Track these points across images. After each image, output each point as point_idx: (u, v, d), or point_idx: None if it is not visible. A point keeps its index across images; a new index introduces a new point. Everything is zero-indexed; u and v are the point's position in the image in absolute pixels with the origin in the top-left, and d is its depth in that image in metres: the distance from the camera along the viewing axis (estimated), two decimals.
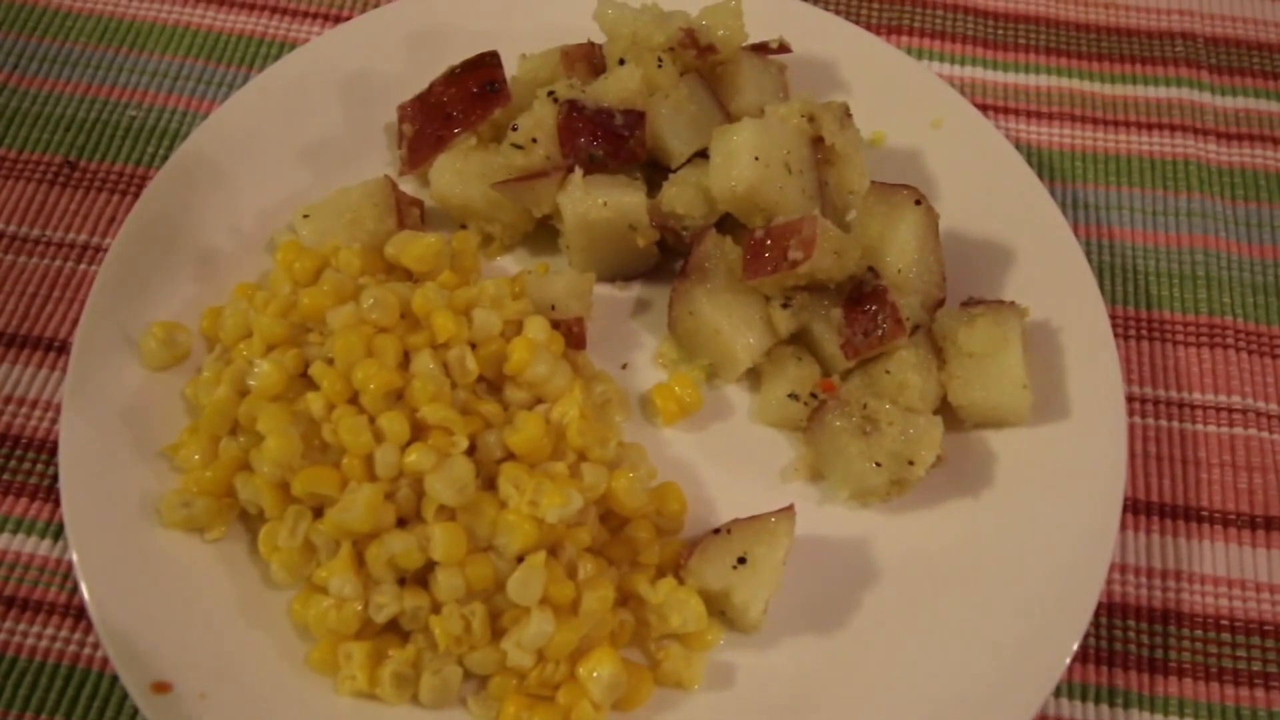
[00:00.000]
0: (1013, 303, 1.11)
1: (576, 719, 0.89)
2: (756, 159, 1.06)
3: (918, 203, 1.12)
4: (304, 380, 0.99)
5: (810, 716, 0.94)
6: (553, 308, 1.09)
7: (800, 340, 1.12)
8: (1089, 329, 1.13)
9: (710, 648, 0.97)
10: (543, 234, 1.20)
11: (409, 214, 1.17)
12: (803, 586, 1.00)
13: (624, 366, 1.14)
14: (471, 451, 0.96)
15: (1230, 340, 1.23)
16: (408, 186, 1.21)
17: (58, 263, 1.20)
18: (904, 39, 1.46)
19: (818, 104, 1.17)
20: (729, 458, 1.08)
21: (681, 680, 0.94)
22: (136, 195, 1.24)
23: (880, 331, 1.05)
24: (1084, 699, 1.00)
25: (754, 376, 1.13)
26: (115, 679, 0.95)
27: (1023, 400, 1.05)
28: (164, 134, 1.30)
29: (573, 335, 1.09)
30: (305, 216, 1.13)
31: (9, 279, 1.18)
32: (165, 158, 1.27)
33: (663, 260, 1.19)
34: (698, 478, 1.07)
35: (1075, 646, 0.94)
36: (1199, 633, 1.04)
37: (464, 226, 1.19)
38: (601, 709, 0.90)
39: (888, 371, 1.07)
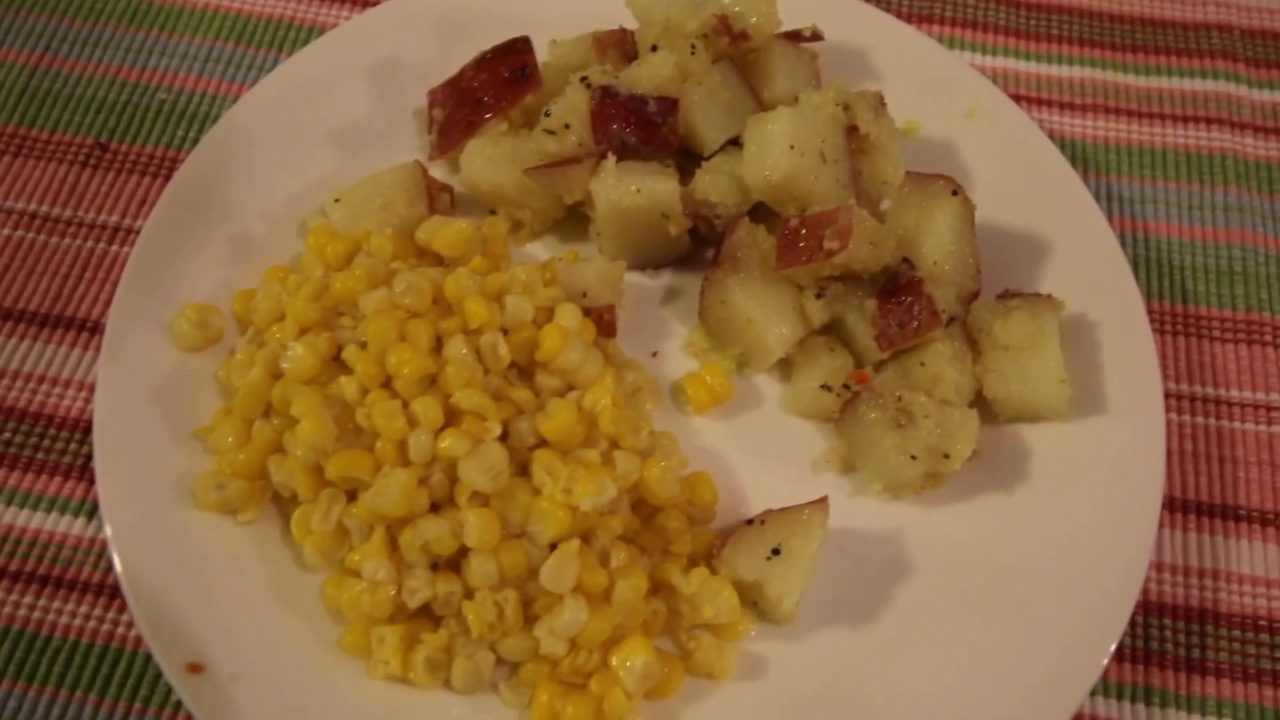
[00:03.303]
0: (1049, 295, 1.09)
1: (609, 707, 0.89)
2: (792, 147, 1.05)
3: (954, 193, 1.10)
4: (337, 364, 0.99)
5: (843, 710, 0.93)
6: (584, 295, 1.09)
7: (832, 331, 1.11)
8: (1126, 323, 1.11)
9: (741, 638, 0.96)
10: (572, 220, 1.19)
11: (439, 199, 1.16)
12: (834, 578, 0.99)
13: (654, 355, 1.13)
14: (504, 438, 0.95)
15: (1268, 337, 1.21)
16: (437, 172, 1.20)
17: (89, 244, 1.20)
18: (935, 28, 1.45)
19: (852, 92, 1.16)
20: (760, 448, 1.08)
21: (713, 670, 0.93)
22: (167, 177, 1.24)
23: (915, 323, 1.04)
24: (1120, 698, 0.99)
25: (784, 366, 1.12)
26: (148, 658, 0.95)
27: (1060, 394, 1.04)
28: (194, 117, 1.30)
29: (604, 323, 1.09)
30: (336, 201, 1.13)
31: (41, 259, 1.18)
32: (195, 140, 1.27)
33: (693, 249, 1.18)
34: (728, 468, 1.06)
35: (1113, 647, 0.93)
36: (1237, 633, 1.02)
37: (493, 212, 1.19)
38: (634, 698, 0.89)
39: (922, 364, 1.06)
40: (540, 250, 1.19)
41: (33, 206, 1.22)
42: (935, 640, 0.96)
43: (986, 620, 0.97)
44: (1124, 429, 1.05)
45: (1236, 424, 1.15)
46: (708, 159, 1.16)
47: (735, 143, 1.17)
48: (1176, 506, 1.09)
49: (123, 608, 0.97)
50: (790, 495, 1.01)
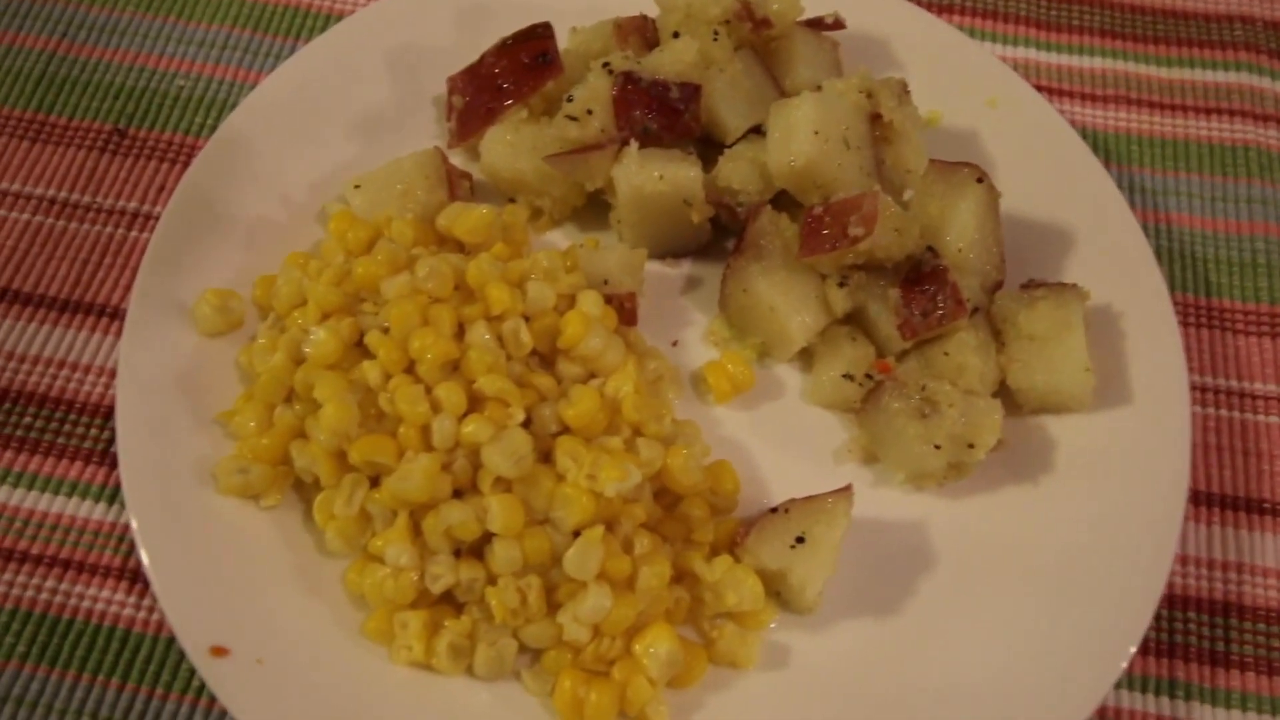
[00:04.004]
0: (1075, 285, 1.08)
1: (632, 694, 0.88)
2: (816, 134, 1.04)
3: (979, 181, 1.09)
4: (359, 349, 0.99)
5: (866, 701, 0.93)
6: (605, 282, 1.08)
7: (854, 320, 1.10)
8: (1151, 314, 1.10)
9: (763, 627, 0.96)
10: (591, 209, 1.18)
11: (459, 186, 1.16)
12: (856, 569, 0.99)
13: (674, 344, 1.13)
14: (526, 424, 0.95)
15: None
16: (455, 160, 1.20)
17: (108, 229, 1.20)
18: (955, 18, 1.44)
19: (876, 80, 1.15)
20: (781, 438, 1.07)
21: (736, 659, 0.93)
22: (185, 164, 1.24)
23: (940, 312, 1.04)
24: (1144, 690, 0.98)
25: (804, 356, 1.11)
26: (169, 642, 0.95)
27: (1085, 385, 1.03)
28: (211, 104, 1.30)
29: (625, 310, 1.08)
30: (356, 187, 1.13)
31: (61, 245, 1.18)
32: (213, 127, 1.27)
33: (713, 238, 1.17)
34: (749, 457, 1.06)
35: (1138, 641, 0.92)
36: (1261, 626, 1.02)
37: (512, 200, 1.18)
38: (657, 685, 0.89)
39: (946, 353, 1.05)
40: (559, 238, 1.18)
41: (51, 192, 1.22)
42: (958, 632, 0.96)
43: (1010, 613, 0.96)
44: (1149, 420, 1.04)
45: (1260, 417, 1.14)
46: (729, 147, 1.15)
47: (756, 131, 1.16)
48: (1200, 499, 1.09)
49: (144, 592, 0.97)
50: (812, 485, 1.00)
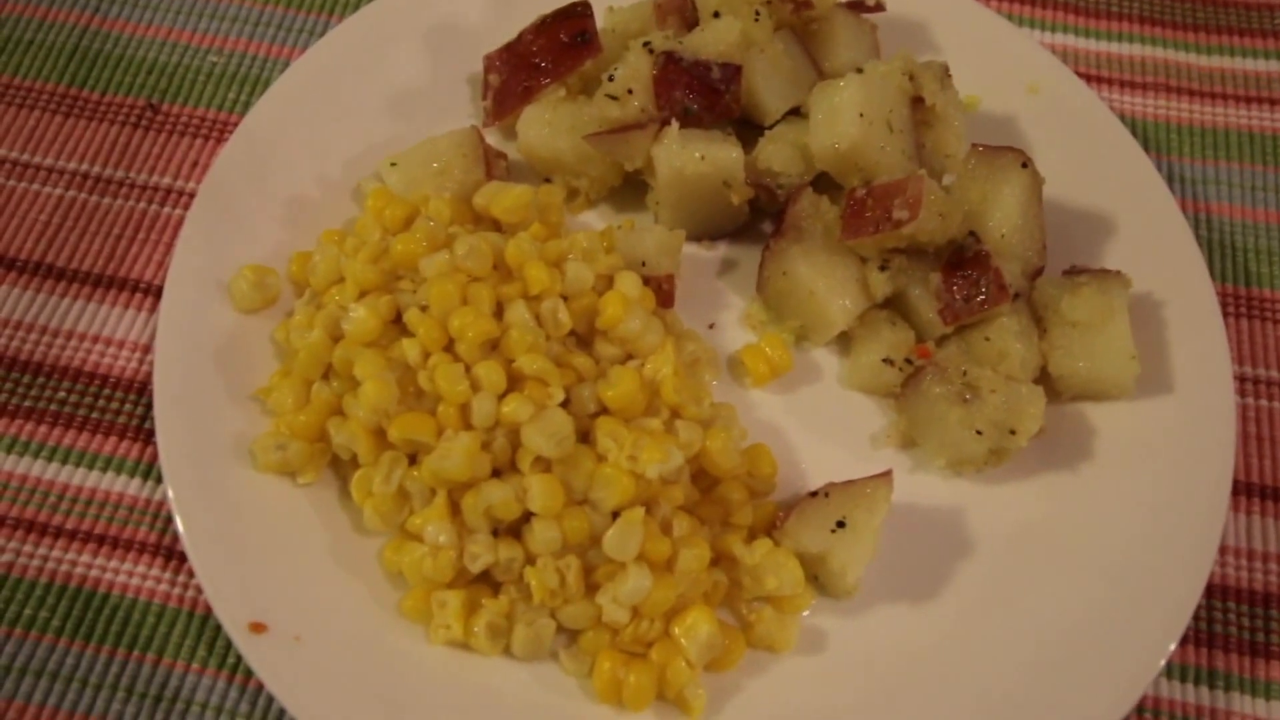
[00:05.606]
0: (1118, 272, 1.07)
1: (671, 676, 0.88)
2: (861, 116, 1.03)
3: (1024, 166, 1.08)
4: (395, 327, 0.98)
5: (905, 685, 0.92)
6: (643, 264, 1.07)
7: (893, 305, 1.09)
8: (1194, 302, 1.09)
9: (801, 611, 0.95)
10: (626, 190, 1.17)
11: (496, 165, 1.15)
12: (893, 553, 0.98)
13: (711, 326, 1.12)
14: (564, 405, 0.94)
15: None
16: (490, 138, 1.19)
17: (141, 205, 1.19)
18: (993, 3, 1.42)
19: (918, 63, 1.13)
20: (818, 422, 1.06)
21: (774, 643, 0.92)
22: (218, 140, 1.23)
23: (983, 296, 1.02)
24: (1184, 680, 0.98)
25: (842, 340, 1.10)
26: (204, 618, 0.95)
27: (1129, 371, 1.02)
28: (244, 80, 1.29)
29: (662, 292, 1.07)
30: (392, 165, 1.12)
31: (94, 220, 1.18)
32: (246, 104, 1.26)
33: (749, 220, 1.16)
34: (786, 441, 1.05)
35: (1179, 635, 0.91)
36: None
37: (547, 180, 1.17)
38: (696, 668, 0.88)
39: (987, 339, 1.04)
40: (594, 220, 1.17)
41: (84, 167, 1.21)
42: (996, 620, 0.95)
43: (1049, 601, 0.95)
44: (1192, 409, 1.03)
45: None
46: (769, 129, 1.14)
47: (794, 113, 1.15)
48: (1240, 489, 1.07)
49: (179, 568, 0.97)
50: (849, 470, 0.99)
